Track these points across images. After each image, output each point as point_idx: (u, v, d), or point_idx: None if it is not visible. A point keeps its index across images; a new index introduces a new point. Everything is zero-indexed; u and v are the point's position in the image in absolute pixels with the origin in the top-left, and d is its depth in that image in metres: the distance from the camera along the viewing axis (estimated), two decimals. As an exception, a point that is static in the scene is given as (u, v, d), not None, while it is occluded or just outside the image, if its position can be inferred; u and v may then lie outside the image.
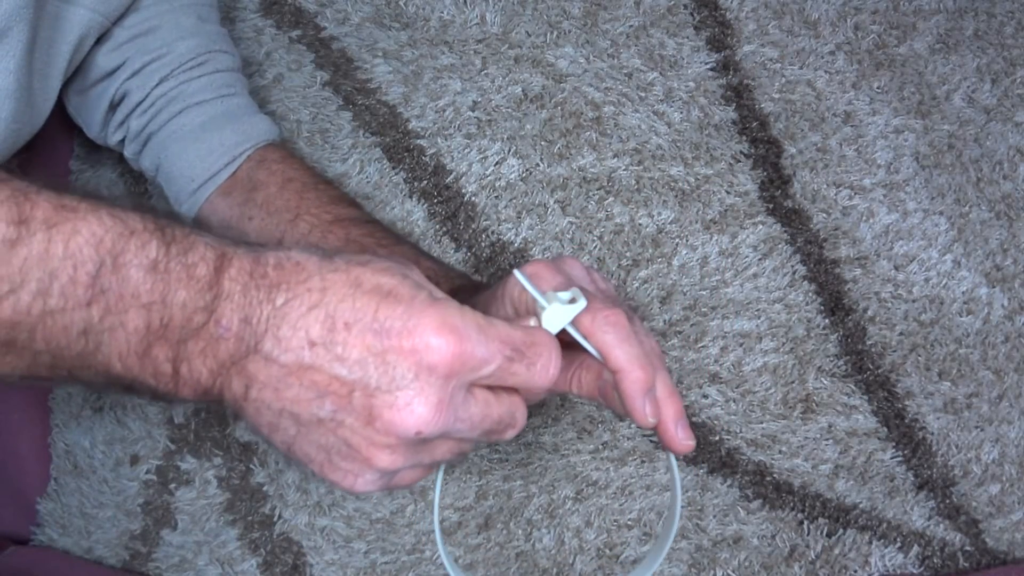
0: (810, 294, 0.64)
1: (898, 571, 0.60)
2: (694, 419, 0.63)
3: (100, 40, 0.57)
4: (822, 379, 0.63)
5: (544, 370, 0.37)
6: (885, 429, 0.62)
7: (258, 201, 0.58)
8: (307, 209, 0.57)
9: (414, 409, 0.34)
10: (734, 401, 0.63)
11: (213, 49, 0.60)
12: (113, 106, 0.59)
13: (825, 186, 0.65)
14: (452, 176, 0.66)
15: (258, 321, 0.35)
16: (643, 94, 0.67)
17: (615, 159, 0.66)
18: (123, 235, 0.34)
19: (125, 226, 0.34)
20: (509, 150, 0.66)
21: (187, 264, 0.34)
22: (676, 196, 0.65)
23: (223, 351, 0.35)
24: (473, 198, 0.66)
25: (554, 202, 0.65)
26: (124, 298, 0.33)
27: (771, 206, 0.65)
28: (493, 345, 0.35)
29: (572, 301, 0.40)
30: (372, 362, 0.34)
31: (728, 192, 0.65)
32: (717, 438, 0.62)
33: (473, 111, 0.67)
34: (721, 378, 0.63)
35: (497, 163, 0.66)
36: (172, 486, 0.63)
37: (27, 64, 0.50)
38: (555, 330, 0.39)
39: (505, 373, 0.36)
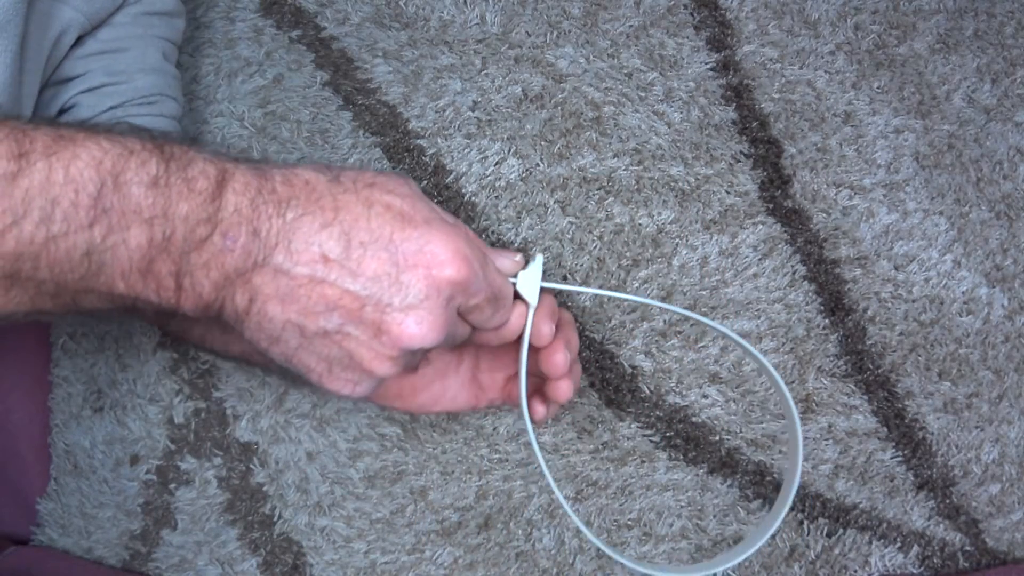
0: (810, 294, 0.64)
1: (898, 571, 0.60)
2: (694, 419, 0.63)
3: (73, 46, 0.57)
4: (822, 379, 0.63)
5: (499, 320, 0.43)
6: (885, 429, 0.62)
7: None
8: None
9: (423, 325, 0.37)
10: (734, 401, 0.63)
11: (166, 92, 0.60)
12: (60, 113, 0.59)
13: (825, 186, 0.65)
14: (452, 176, 0.66)
15: (268, 234, 0.36)
16: (643, 94, 0.67)
17: (615, 159, 0.66)
18: (122, 155, 0.34)
19: (124, 147, 0.35)
20: (509, 150, 0.66)
21: (187, 178, 0.35)
22: (676, 196, 0.65)
23: (228, 264, 0.36)
24: (473, 198, 0.66)
25: (554, 202, 0.65)
26: (126, 215, 0.34)
27: (771, 206, 0.65)
28: (486, 282, 0.40)
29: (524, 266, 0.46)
30: (386, 280, 0.36)
31: (728, 192, 0.65)
32: (717, 438, 0.62)
33: (473, 111, 0.67)
34: (721, 378, 0.63)
35: (497, 163, 0.66)
36: (172, 486, 0.63)
37: (20, 59, 0.51)
38: (535, 293, 0.45)
39: (479, 309, 0.41)
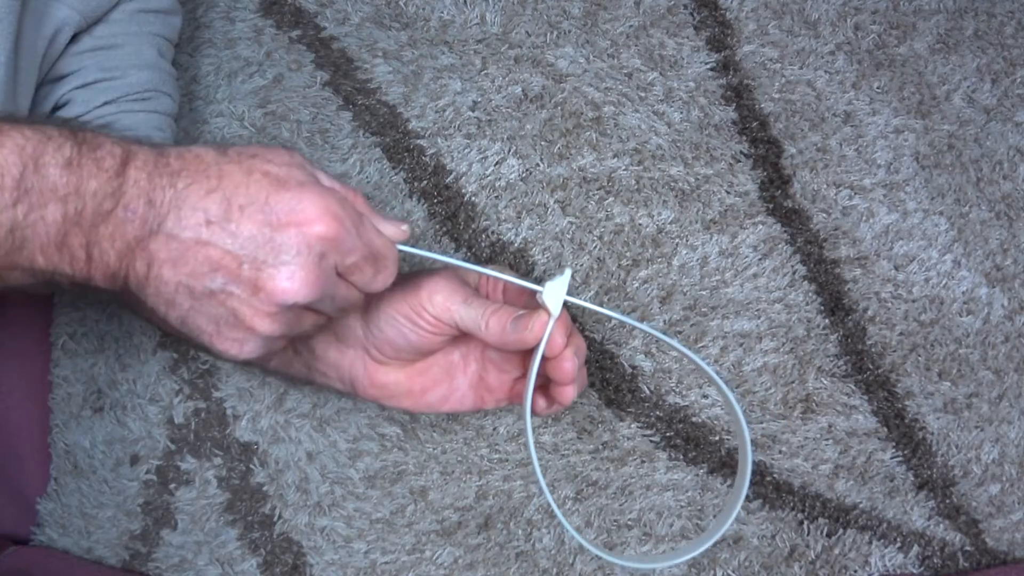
0: (810, 294, 0.64)
1: (898, 571, 0.60)
2: (694, 419, 0.63)
3: (68, 43, 0.57)
4: (822, 379, 0.63)
5: (382, 282, 0.45)
6: (885, 429, 0.62)
7: None
8: None
9: (294, 280, 0.39)
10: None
11: (160, 89, 0.61)
12: (55, 109, 0.59)
13: (825, 186, 0.65)
14: (452, 176, 0.66)
15: (161, 203, 0.39)
16: (643, 94, 0.67)
17: (615, 159, 0.66)
18: (42, 141, 0.38)
19: (44, 134, 0.38)
20: (509, 150, 0.66)
21: (96, 158, 0.39)
22: (676, 196, 0.65)
23: (129, 232, 0.39)
24: (473, 198, 0.66)
25: (554, 202, 0.65)
26: (44, 194, 0.37)
27: (771, 206, 0.65)
28: (361, 241, 0.42)
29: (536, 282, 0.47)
30: (261, 239, 0.39)
31: (728, 192, 0.65)
32: (717, 438, 0.62)
33: (473, 111, 0.67)
34: (721, 378, 0.63)
35: (497, 163, 0.66)
36: (172, 486, 0.63)
37: (15, 57, 0.51)
38: (559, 305, 0.46)
39: (357, 269, 0.43)
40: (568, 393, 0.49)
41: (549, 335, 0.47)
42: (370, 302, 0.51)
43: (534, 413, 0.51)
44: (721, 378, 0.63)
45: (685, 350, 0.49)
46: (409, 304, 0.49)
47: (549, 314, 0.47)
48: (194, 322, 0.41)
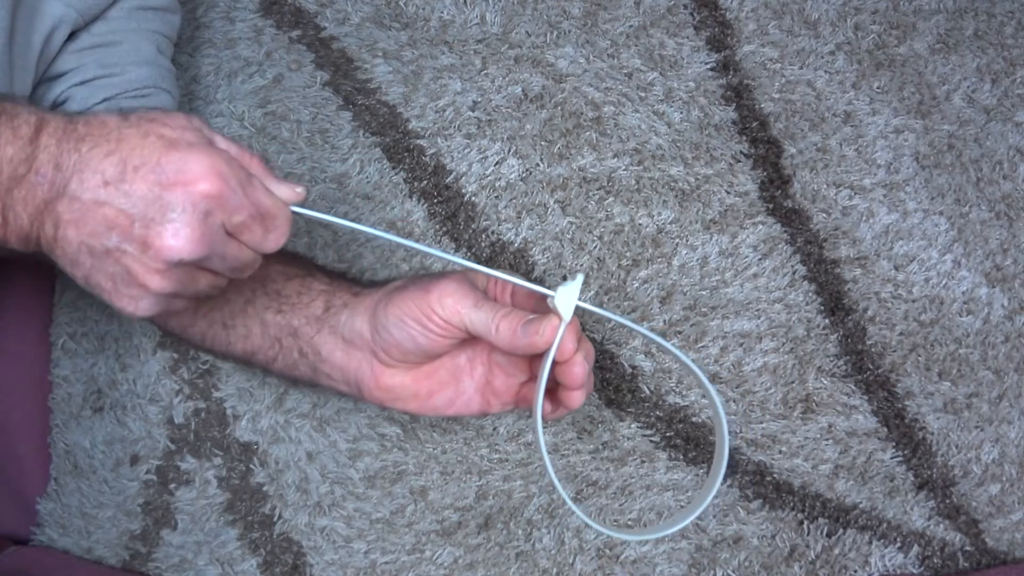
0: (810, 294, 0.64)
1: (898, 571, 0.60)
2: (694, 419, 0.63)
3: (66, 41, 0.57)
4: (822, 379, 0.63)
5: (274, 241, 0.45)
6: (885, 429, 0.62)
7: None
8: None
9: (179, 237, 0.41)
10: (734, 401, 0.63)
11: (160, 85, 0.61)
12: (53, 106, 0.59)
13: (825, 186, 0.65)
14: (452, 176, 0.66)
15: (67, 167, 0.41)
16: (643, 94, 0.67)
17: (615, 159, 0.66)
18: None
19: None
20: (509, 150, 0.66)
21: (13, 127, 0.41)
22: (676, 196, 0.65)
23: (39, 195, 0.41)
24: (473, 198, 0.66)
25: (554, 202, 0.65)
26: None
27: (771, 206, 0.65)
28: (247, 200, 0.43)
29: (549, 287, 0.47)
30: (151, 198, 0.41)
31: (728, 192, 0.65)
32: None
33: (473, 111, 0.67)
34: (721, 378, 0.63)
35: (497, 163, 0.66)
36: (172, 486, 0.63)
37: (8, 54, 0.51)
38: (570, 311, 0.46)
39: (246, 228, 0.44)
40: (576, 398, 0.50)
41: (560, 340, 0.47)
42: (379, 304, 0.51)
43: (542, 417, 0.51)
44: (721, 378, 0.63)
45: (663, 341, 0.49)
46: (419, 307, 0.49)
47: (560, 318, 0.47)
48: (95, 280, 0.43)
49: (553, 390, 0.51)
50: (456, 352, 0.53)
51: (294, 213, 0.46)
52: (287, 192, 0.46)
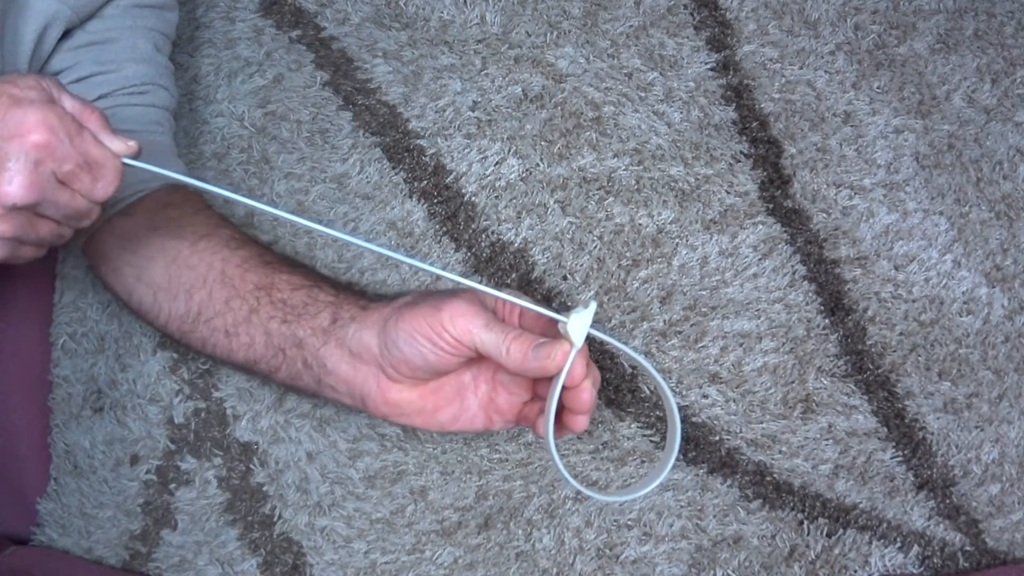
0: (810, 294, 0.64)
1: (898, 571, 0.60)
2: (694, 419, 0.63)
3: (61, 39, 0.57)
4: (822, 379, 0.63)
5: (102, 190, 0.48)
6: (885, 429, 0.62)
7: (170, 215, 0.60)
8: (215, 231, 0.60)
9: (12, 184, 0.44)
10: (734, 401, 0.63)
11: (157, 82, 0.61)
12: None
13: (825, 186, 0.65)
14: (452, 176, 0.66)
15: None
16: (643, 94, 0.67)
17: (615, 159, 0.66)
18: None
19: None
20: (509, 150, 0.66)
21: None
22: (676, 196, 0.65)
23: None
24: (473, 198, 0.66)
25: (554, 202, 0.65)
26: None
27: (771, 206, 0.65)
28: (75, 149, 0.46)
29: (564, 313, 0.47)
30: None
31: (728, 192, 0.65)
32: (717, 438, 0.62)
33: (473, 111, 0.67)
34: (721, 378, 0.63)
35: (497, 163, 0.66)
36: (172, 486, 0.63)
37: (0, 48, 0.51)
38: (582, 337, 0.47)
39: (75, 177, 0.47)
40: (581, 422, 0.50)
41: (570, 366, 0.47)
42: (388, 319, 0.51)
43: (540, 437, 0.51)
44: (721, 378, 0.63)
45: (622, 346, 0.50)
46: (429, 324, 0.49)
47: (572, 344, 0.47)
48: None
49: (558, 412, 0.51)
50: (462, 370, 0.53)
51: (129, 165, 0.48)
52: (119, 145, 0.48)
